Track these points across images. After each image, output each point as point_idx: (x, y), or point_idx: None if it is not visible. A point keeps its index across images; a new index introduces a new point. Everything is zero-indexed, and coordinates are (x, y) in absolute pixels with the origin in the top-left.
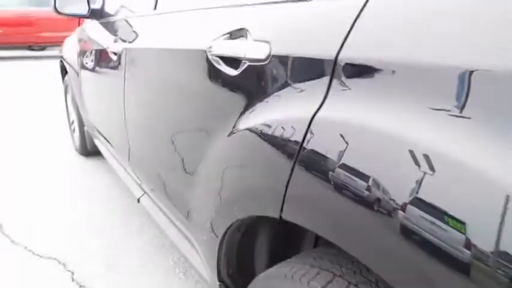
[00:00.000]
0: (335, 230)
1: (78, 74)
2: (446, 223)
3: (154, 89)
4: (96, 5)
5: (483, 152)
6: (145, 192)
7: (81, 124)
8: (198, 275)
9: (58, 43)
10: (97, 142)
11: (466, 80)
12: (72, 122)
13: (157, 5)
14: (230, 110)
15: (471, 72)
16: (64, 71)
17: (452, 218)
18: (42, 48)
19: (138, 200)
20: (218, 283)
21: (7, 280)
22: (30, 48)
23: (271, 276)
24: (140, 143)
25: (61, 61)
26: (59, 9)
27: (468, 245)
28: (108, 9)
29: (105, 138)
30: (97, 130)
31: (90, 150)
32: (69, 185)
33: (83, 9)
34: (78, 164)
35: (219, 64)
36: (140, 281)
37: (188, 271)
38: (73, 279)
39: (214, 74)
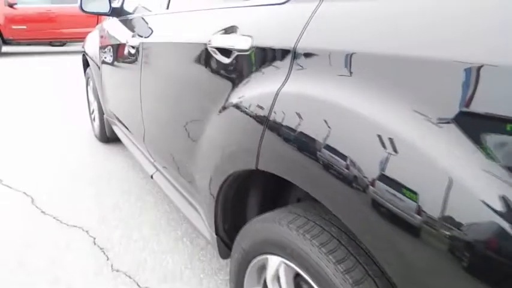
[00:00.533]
0: (294, 174)
1: (99, 66)
2: (393, 183)
3: (164, 78)
4: (116, 4)
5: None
6: (157, 170)
7: (101, 113)
8: (202, 237)
9: (77, 39)
10: (115, 129)
11: (372, 60)
12: (93, 111)
13: (170, 5)
14: (222, 91)
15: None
16: (86, 64)
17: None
18: (63, 44)
19: (152, 177)
20: (216, 237)
21: (41, 244)
22: (51, 44)
23: (263, 220)
24: (153, 125)
25: (83, 55)
26: (84, 8)
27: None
28: (127, 7)
29: (123, 124)
30: (116, 117)
31: (109, 137)
32: (91, 167)
33: (105, 8)
34: (98, 150)
35: (216, 54)
36: (152, 246)
37: (195, 240)
38: (95, 243)
39: (212, 62)
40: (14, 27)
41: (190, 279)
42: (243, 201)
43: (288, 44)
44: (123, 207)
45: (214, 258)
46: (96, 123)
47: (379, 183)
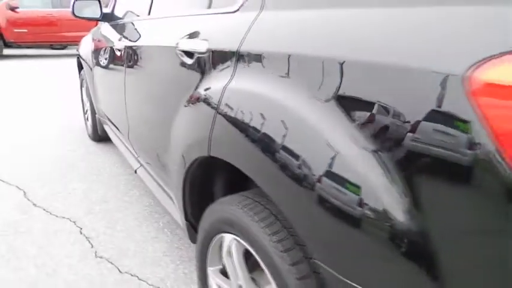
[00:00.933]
0: (234, 158)
1: (91, 68)
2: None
3: (143, 79)
4: (107, 10)
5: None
6: (141, 165)
7: (94, 113)
8: (177, 226)
9: (78, 42)
10: (106, 127)
11: (295, 62)
12: (86, 112)
13: (151, 12)
14: (187, 87)
15: (290, 56)
16: (80, 67)
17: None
18: (63, 47)
19: (135, 171)
20: (185, 222)
21: (31, 233)
22: (51, 47)
23: (221, 202)
24: (136, 122)
25: (78, 58)
26: (76, 13)
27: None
28: (117, 13)
29: (111, 122)
30: (106, 116)
31: (100, 136)
32: (82, 164)
33: (96, 13)
34: (90, 148)
35: (182, 56)
36: (134, 236)
37: (174, 230)
38: (81, 233)
39: (179, 63)
40: (15, 30)
41: (168, 264)
42: (209, 187)
43: (233, 47)
44: (109, 200)
45: (191, 247)
46: (89, 122)
47: (291, 162)
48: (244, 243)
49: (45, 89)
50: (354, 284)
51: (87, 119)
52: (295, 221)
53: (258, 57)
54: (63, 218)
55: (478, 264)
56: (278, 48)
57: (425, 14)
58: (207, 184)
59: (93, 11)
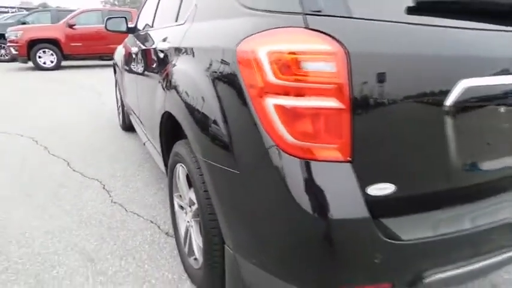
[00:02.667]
0: (173, 110)
1: (121, 71)
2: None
3: (143, 71)
4: (132, 24)
5: None
6: (148, 139)
7: (123, 106)
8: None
9: None
10: (131, 117)
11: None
12: (119, 107)
13: (153, 25)
14: (162, 72)
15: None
16: (115, 70)
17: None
18: (111, 58)
19: (144, 144)
20: (164, 167)
21: (69, 188)
22: (101, 58)
23: (178, 143)
24: (142, 104)
25: (113, 63)
26: (108, 28)
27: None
28: (138, 26)
29: (132, 111)
30: (130, 108)
31: (128, 125)
32: (112, 145)
33: (123, 27)
34: (120, 135)
35: (159, 53)
36: (141, 192)
37: None
38: (103, 188)
39: (159, 58)
40: (72, 44)
41: (160, 208)
42: (175, 137)
43: (177, 45)
44: (128, 169)
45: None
46: (120, 115)
47: (192, 109)
48: (185, 168)
49: (94, 91)
50: None
51: (119, 112)
52: (201, 144)
53: (186, 49)
54: (93, 179)
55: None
56: (192, 43)
57: (219, 25)
58: (173, 134)
59: (120, 25)
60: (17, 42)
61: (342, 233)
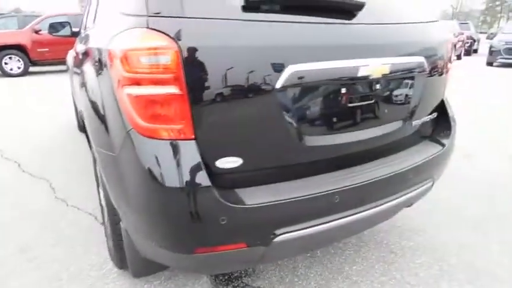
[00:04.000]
0: (82, 108)
1: (71, 73)
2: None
3: (74, 74)
4: (76, 29)
5: None
6: None
7: (77, 108)
8: None
9: None
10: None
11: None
12: (75, 108)
13: (86, 27)
14: None
15: None
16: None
17: None
18: None
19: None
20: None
21: (18, 188)
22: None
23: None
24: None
25: (66, 65)
26: (51, 33)
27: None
28: (81, 30)
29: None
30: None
31: (82, 126)
32: (68, 146)
33: (68, 32)
34: (77, 136)
35: (81, 55)
36: (85, 188)
37: None
38: (51, 186)
39: (80, 60)
40: (39, 50)
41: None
42: None
43: (86, 47)
44: (76, 168)
45: None
46: (77, 117)
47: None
48: None
49: (58, 96)
50: None
51: (76, 114)
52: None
53: (89, 51)
54: (41, 178)
55: None
56: (91, 45)
57: (106, 28)
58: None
59: (65, 30)
60: None
61: (188, 201)
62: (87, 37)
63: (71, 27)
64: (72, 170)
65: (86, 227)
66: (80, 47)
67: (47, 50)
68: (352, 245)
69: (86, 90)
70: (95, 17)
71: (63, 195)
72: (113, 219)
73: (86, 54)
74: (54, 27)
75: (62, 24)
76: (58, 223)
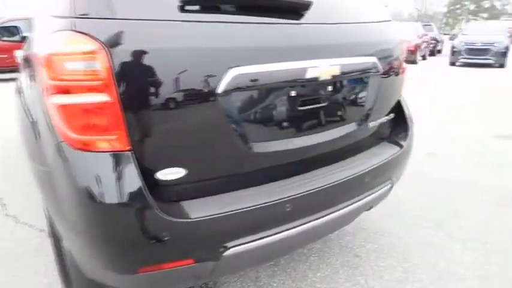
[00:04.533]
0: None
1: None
2: None
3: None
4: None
5: None
6: None
7: None
8: None
9: None
10: None
11: None
12: None
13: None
14: None
15: None
16: None
17: None
18: None
19: None
20: None
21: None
22: None
23: None
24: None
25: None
26: (2, 39)
27: None
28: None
29: None
30: None
31: None
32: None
33: (18, 37)
34: None
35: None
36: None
37: None
38: (1, 202)
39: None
40: None
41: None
42: None
43: (24, 53)
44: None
45: None
46: None
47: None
48: None
49: None
50: None
51: None
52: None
53: (26, 57)
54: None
55: None
56: (28, 52)
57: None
58: None
59: (15, 35)
60: None
61: (126, 217)
62: (25, 42)
63: (20, 32)
64: (25, 185)
65: (36, 246)
66: (18, 53)
67: (5, 56)
68: (317, 250)
69: (20, 97)
70: (31, 20)
71: (14, 212)
72: (56, 237)
73: (21, 60)
74: (4, 32)
75: (11, 29)
76: (7, 242)
